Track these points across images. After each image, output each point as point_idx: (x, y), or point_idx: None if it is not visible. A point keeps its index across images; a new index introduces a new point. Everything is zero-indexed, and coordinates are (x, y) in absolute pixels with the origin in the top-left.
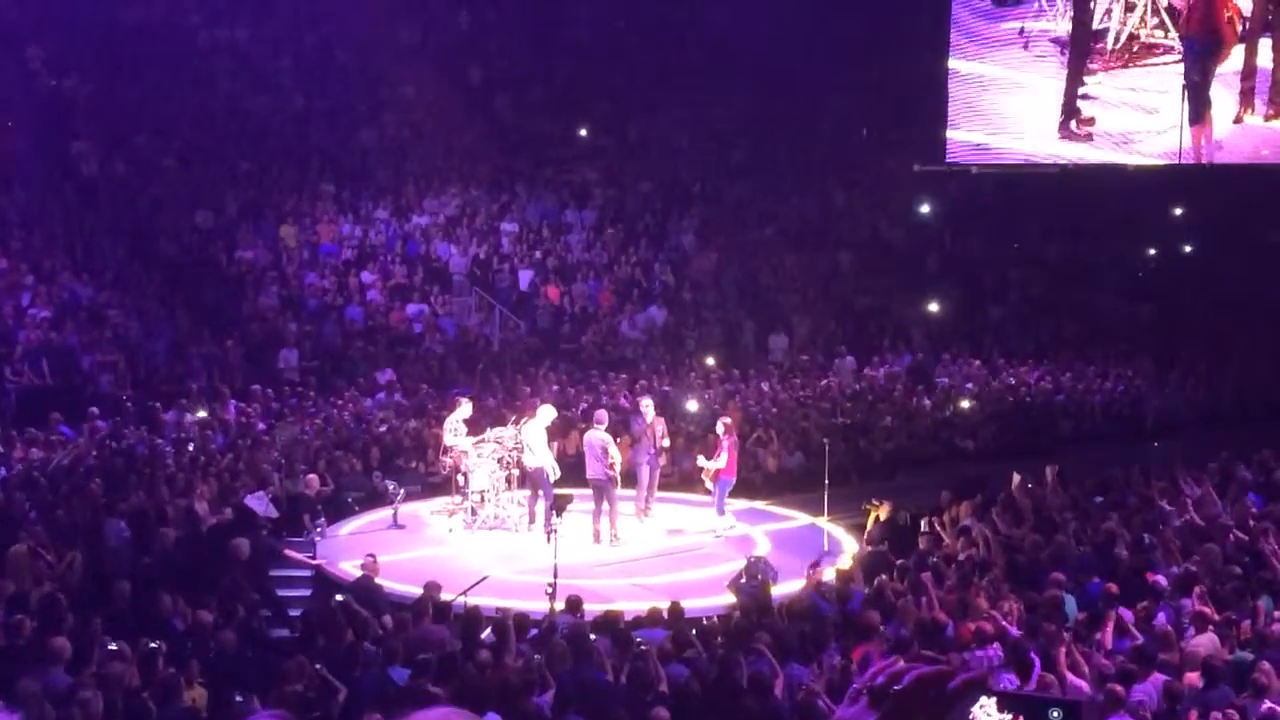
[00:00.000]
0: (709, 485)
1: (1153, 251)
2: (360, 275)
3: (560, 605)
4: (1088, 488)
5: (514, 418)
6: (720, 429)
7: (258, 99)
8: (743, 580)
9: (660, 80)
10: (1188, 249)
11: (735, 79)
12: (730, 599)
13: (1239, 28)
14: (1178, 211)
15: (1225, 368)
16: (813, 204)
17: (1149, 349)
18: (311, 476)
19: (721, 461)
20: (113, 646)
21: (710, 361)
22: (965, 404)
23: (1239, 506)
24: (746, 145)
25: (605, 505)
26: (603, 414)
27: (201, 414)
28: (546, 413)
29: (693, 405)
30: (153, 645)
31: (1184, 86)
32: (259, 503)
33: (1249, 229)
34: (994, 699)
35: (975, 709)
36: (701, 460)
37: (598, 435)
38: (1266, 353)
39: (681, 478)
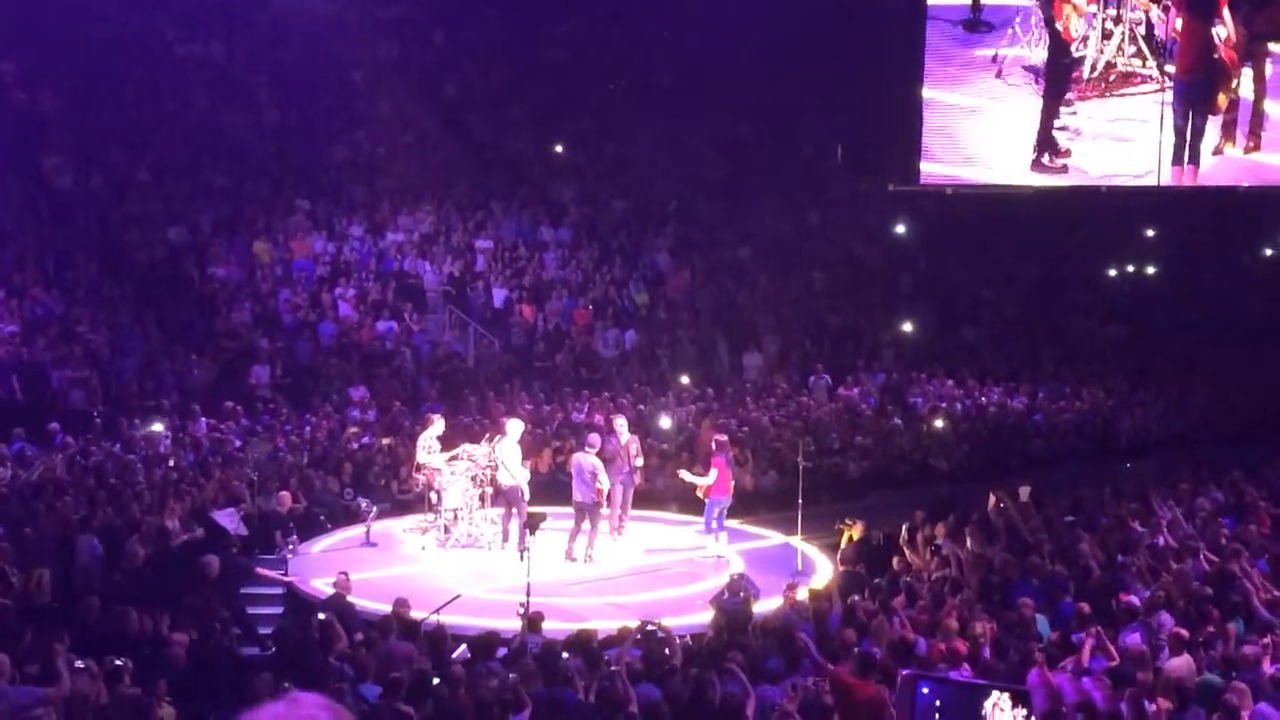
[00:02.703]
0: (703, 499)
1: (1130, 269)
2: (334, 292)
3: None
4: (1061, 508)
5: (487, 435)
6: (714, 446)
7: (232, 114)
8: (725, 597)
9: (636, 99)
10: (1159, 270)
11: (711, 98)
12: (703, 617)
13: (1234, 79)
14: (1150, 233)
15: (1196, 388)
16: (787, 223)
17: (1122, 369)
18: (284, 493)
19: (711, 479)
20: (80, 664)
21: (684, 380)
22: (939, 423)
23: (1210, 528)
24: (722, 164)
25: (587, 526)
26: (595, 437)
27: (157, 427)
28: (515, 427)
29: (666, 423)
30: (119, 663)
31: (1172, 124)
32: (230, 519)
33: (1219, 250)
34: (1006, 694)
35: (988, 705)
36: (685, 474)
37: (588, 459)
38: (1237, 373)
39: (656, 496)
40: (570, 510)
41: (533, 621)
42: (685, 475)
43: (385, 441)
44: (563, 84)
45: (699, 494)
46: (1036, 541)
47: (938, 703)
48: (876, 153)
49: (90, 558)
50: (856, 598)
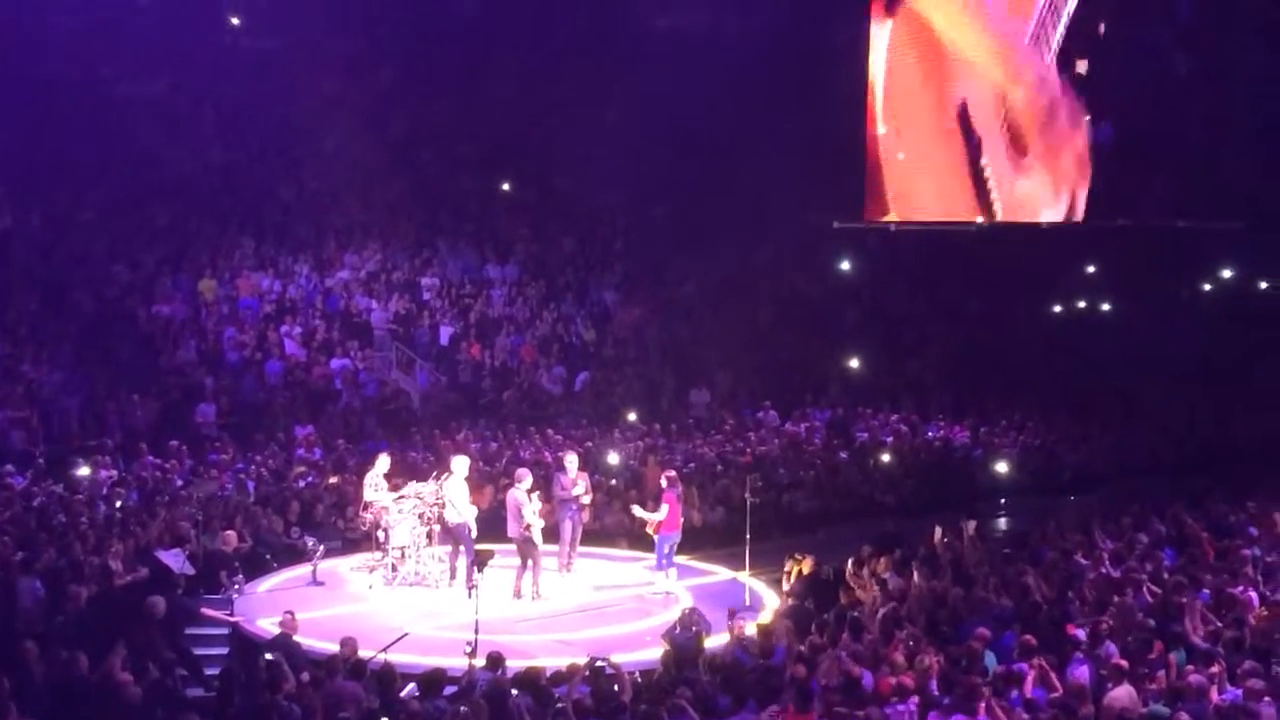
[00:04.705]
0: (652, 535)
1: (1072, 305)
2: (280, 330)
3: (481, 662)
4: (1005, 541)
5: (434, 473)
6: (664, 483)
7: (177, 151)
8: (677, 631)
9: (583, 135)
10: (1101, 305)
11: (657, 135)
12: (653, 654)
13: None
14: (1090, 269)
15: (1138, 421)
16: (733, 260)
17: (1065, 403)
18: (229, 533)
19: (662, 514)
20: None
21: (632, 417)
22: (885, 458)
23: (1153, 560)
24: (668, 201)
25: (530, 562)
26: (523, 472)
27: (86, 471)
28: (462, 464)
29: (614, 459)
30: (64, 705)
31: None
32: (175, 559)
33: (1159, 285)
34: None
35: None
36: (638, 510)
37: (515, 494)
38: (1178, 407)
39: (605, 533)
40: (514, 547)
41: (493, 660)
42: (637, 511)
43: (332, 480)
44: (510, 121)
45: (649, 530)
46: (981, 575)
47: None
48: (822, 189)
49: (32, 600)
50: (806, 632)
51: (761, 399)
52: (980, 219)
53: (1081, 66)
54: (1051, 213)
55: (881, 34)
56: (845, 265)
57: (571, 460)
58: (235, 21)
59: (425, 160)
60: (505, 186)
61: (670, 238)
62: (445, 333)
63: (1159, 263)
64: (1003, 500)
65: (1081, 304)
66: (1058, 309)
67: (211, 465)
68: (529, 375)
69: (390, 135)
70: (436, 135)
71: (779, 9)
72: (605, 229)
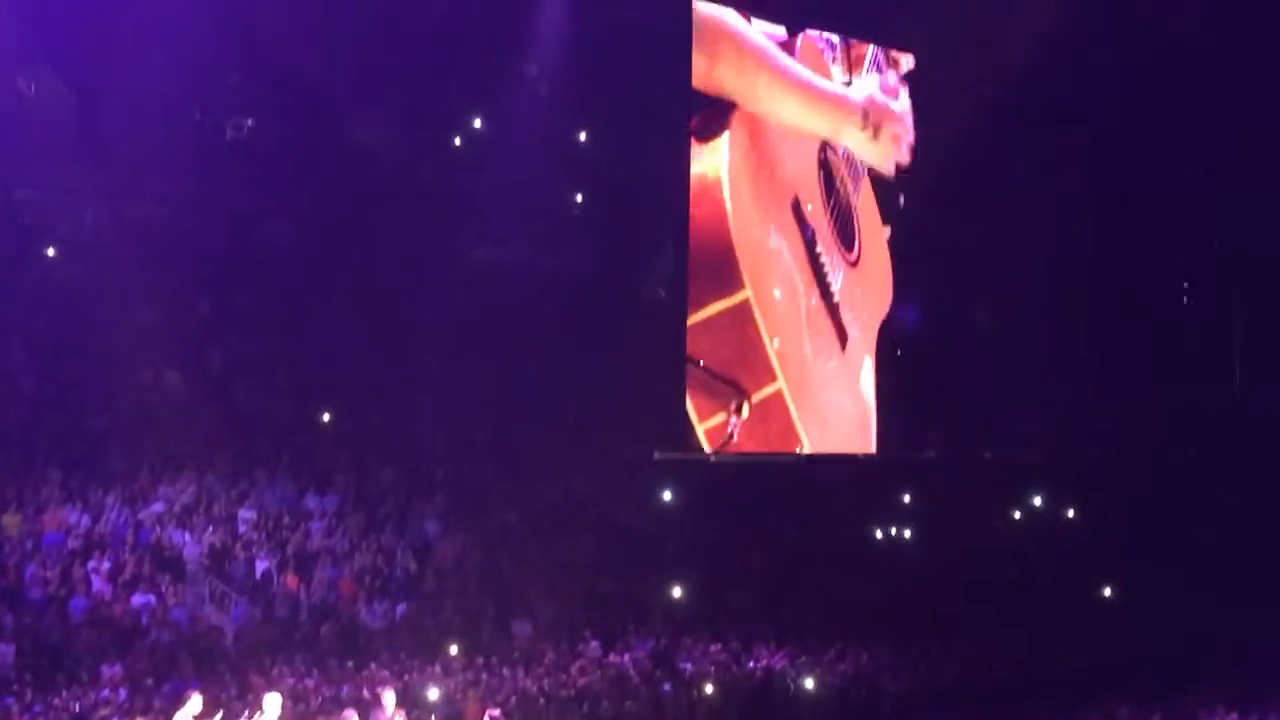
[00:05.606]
0: None
1: (890, 532)
2: (86, 565)
3: None
4: None
5: (246, 713)
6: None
7: None
8: None
9: (403, 364)
10: (916, 533)
11: (478, 362)
12: None
13: None
14: (906, 498)
15: (954, 647)
16: (555, 490)
17: (884, 630)
18: None
19: None
20: None
21: (453, 650)
22: (709, 689)
23: None
24: (488, 430)
25: None
26: (350, 713)
27: None
28: (274, 702)
29: (434, 694)
30: None
31: None
32: None
33: (973, 514)
34: None
35: None
36: None
37: None
38: (994, 632)
39: None
40: None
41: None
42: None
43: None
44: (329, 351)
45: None
46: None
47: None
48: (643, 420)
49: None
50: None
51: (583, 630)
52: (799, 449)
53: None
54: (863, 440)
55: None
56: (666, 495)
57: (389, 697)
58: (51, 253)
59: (242, 391)
60: (325, 417)
61: (492, 466)
62: (261, 565)
63: (971, 494)
64: None
65: (899, 531)
66: (879, 535)
67: (7, 710)
68: (347, 609)
69: (207, 366)
70: (253, 366)
71: (597, 246)
72: (426, 458)
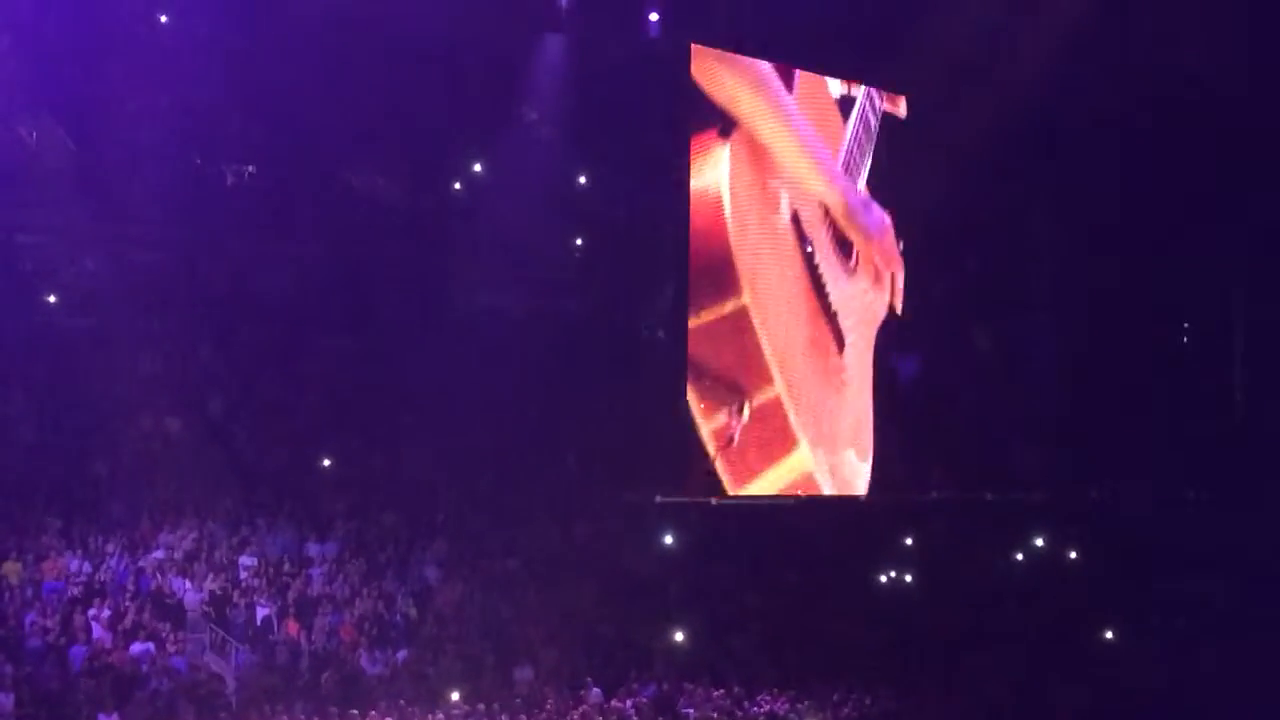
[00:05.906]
0: None
1: (892, 575)
2: (87, 613)
3: None
4: None
5: None
6: None
7: None
8: None
9: (403, 409)
10: (919, 576)
11: (478, 407)
12: None
13: None
14: (909, 541)
15: (955, 692)
16: (555, 535)
17: (887, 675)
18: None
19: None
20: None
21: (454, 697)
22: None
23: None
24: (489, 476)
25: None
26: None
27: None
28: None
29: None
30: None
31: None
32: None
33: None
34: None
35: None
36: None
37: None
38: (998, 678)
39: None
40: None
41: None
42: None
43: None
44: (329, 397)
45: None
46: None
47: None
48: (643, 464)
49: None
50: None
51: (585, 675)
52: (800, 492)
53: None
54: (860, 441)
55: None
56: (668, 539)
57: None
58: (51, 299)
59: (242, 437)
60: (325, 462)
61: (491, 512)
62: (262, 612)
63: (975, 534)
64: None
65: (900, 574)
66: (883, 579)
67: None
68: (349, 655)
69: (207, 413)
70: (253, 412)
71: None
72: (426, 504)
